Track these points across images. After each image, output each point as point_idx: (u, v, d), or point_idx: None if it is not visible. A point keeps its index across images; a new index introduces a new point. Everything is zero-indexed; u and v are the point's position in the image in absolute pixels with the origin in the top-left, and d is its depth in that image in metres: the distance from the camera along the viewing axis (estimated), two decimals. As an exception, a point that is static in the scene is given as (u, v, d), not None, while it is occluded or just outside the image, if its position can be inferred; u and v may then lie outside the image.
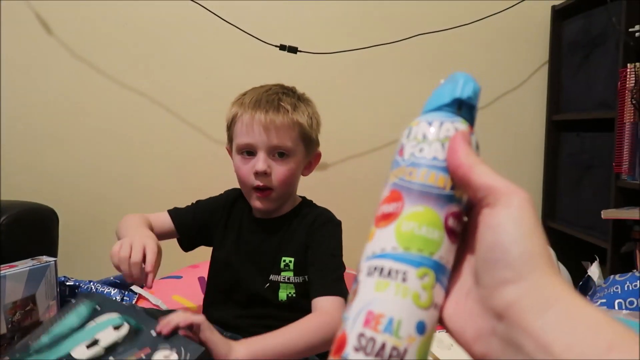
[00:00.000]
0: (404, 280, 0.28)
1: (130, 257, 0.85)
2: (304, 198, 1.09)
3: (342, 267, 0.96)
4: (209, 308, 1.05)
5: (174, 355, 0.69)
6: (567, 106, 1.64)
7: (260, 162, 0.93)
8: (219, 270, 1.05)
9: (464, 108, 0.32)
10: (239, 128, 0.96)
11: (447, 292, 0.30)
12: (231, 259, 1.03)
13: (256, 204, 0.98)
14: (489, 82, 1.71)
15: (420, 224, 0.29)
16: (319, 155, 1.07)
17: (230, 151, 1.04)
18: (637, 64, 1.26)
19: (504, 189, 0.28)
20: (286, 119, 0.93)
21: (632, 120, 1.28)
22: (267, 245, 1.01)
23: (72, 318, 0.76)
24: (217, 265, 1.06)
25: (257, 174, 0.94)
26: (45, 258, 1.15)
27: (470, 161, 0.29)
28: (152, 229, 1.05)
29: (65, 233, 1.52)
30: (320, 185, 1.69)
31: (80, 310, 0.78)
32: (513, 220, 0.27)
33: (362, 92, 1.69)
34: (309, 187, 1.67)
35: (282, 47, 1.56)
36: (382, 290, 0.28)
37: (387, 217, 0.31)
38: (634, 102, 1.26)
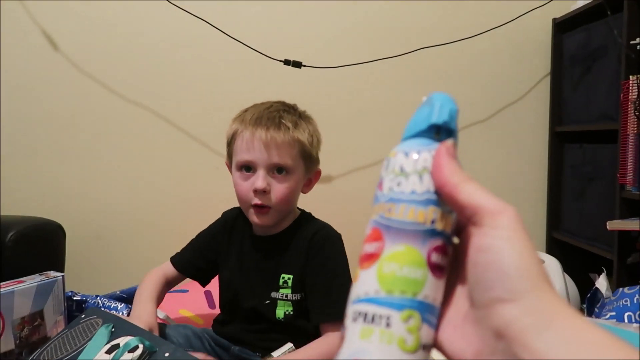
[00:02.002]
0: (388, 325, 0.28)
1: None
2: (302, 211, 1.08)
3: (348, 283, 0.95)
4: (219, 323, 1.05)
5: None
6: (569, 118, 1.65)
7: (259, 179, 0.92)
8: (224, 289, 1.06)
9: (443, 132, 0.31)
10: (239, 145, 0.95)
11: (443, 318, 0.29)
12: (234, 276, 1.03)
13: (254, 219, 0.97)
14: (492, 94, 1.72)
15: (402, 264, 0.29)
16: (318, 173, 1.06)
17: (229, 167, 1.03)
18: (639, 76, 1.27)
19: (492, 207, 0.27)
20: (287, 136, 0.93)
21: (635, 131, 1.29)
22: (266, 262, 1.01)
23: (95, 345, 0.77)
24: (222, 284, 1.06)
25: (256, 192, 0.93)
26: (52, 273, 1.16)
27: (456, 179, 0.28)
28: (169, 282, 1.08)
29: (71, 248, 1.52)
30: (324, 198, 1.69)
31: (101, 335, 0.78)
32: (505, 240, 0.26)
33: (366, 106, 1.70)
34: (313, 200, 1.67)
35: (287, 62, 1.57)
36: (367, 338, 0.28)
37: (369, 258, 0.30)
38: (637, 113, 1.27)
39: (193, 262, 1.07)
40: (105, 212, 1.69)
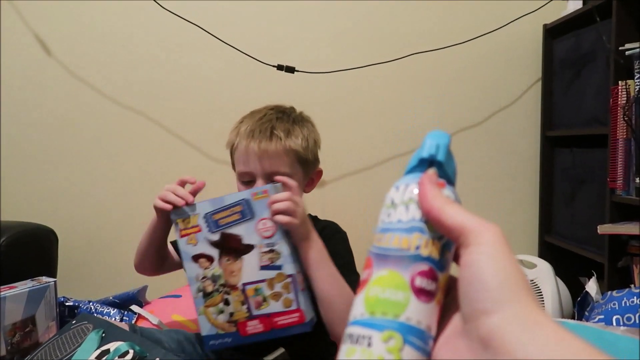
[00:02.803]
0: (369, 345, 0.29)
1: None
2: (309, 214, 1.11)
3: (357, 274, 0.98)
4: None
5: None
6: (560, 122, 1.66)
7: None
8: None
9: (435, 165, 0.33)
10: (237, 157, 1.01)
11: (441, 338, 0.30)
12: None
13: None
14: (484, 99, 1.74)
15: (384, 287, 0.30)
16: (320, 172, 1.10)
17: (234, 169, 1.08)
18: (628, 81, 1.29)
19: (475, 226, 0.29)
20: (279, 146, 0.97)
21: (624, 136, 1.30)
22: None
23: (85, 350, 0.77)
24: None
25: None
26: (44, 279, 1.15)
27: (439, 203, 0.30)
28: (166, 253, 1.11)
29: (63, 253, 1.52)
30: (317, 202, 1.70)
31: (91, 340, 0.78)
32: (487, 255, 0.28)
33: (358, 111, 1.71)
34: (306, 205, 1.68)
35: (280, 67, 1.58)
36: (350, 357, 0.29)
37: (361, 285, 0.32)
38: (626, 118, 1.28)
39: None
40: (98, 217, 1.69)
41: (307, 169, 1.04)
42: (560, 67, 1.65)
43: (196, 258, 0.87)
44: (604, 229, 1.28)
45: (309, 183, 1.08)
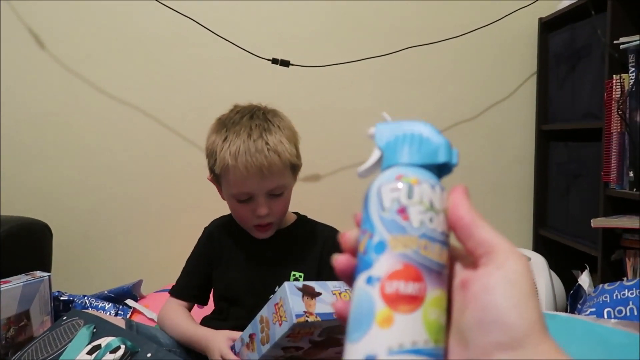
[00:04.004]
0: None
1: None
2: (298, 214, 1.12)
3: None
4: (208, 322, 1.05)
5: None
6: (555, 116, 1.66)
7: (261, 207, 0.96)
8: (221, 288, 1.05)
9: (444, 171, 0.32)
10: (232, 179, 0.96)
11: None
12: (232, 276, 1.03)
13: (257, 235, 1.02)
14: (479, 93, 1.74)
15: (441, 311, 0.27)
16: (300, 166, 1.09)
17: (213, 182, 1.05)
18: (623, 75, 1.29)
19: (505, 248, 0.28)
20: (278, 162, 0.95)
21: (619, 130, 1.30)
22: (268, 258, 1.02)
23: (75, 347, 0.77)
24: (219, 285, 1.06)
25: (259, 217, 0.97)
26: (39, 273, 1.15)
27: (474, 215, 0.29)
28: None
29: (58, 248, 1.52)
30: (312, 197, 1.70)
31: (82, 336, 0.78)
32: (509, 283, 0.26)
33: (354, 104, 1.71)
34: (301, 199, 1.68)
35: (275, 61, 1.58)
36: None
37: (410, 301, 0.27)
38: (620, 112, 1.28)
39: (190, 285, 1.08)
40: (94, 211, 1.68)
41: (296, 172, 1.05)
42: (555, 61, 1.65)
43: None
44: (598, 222, 1.29)
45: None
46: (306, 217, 1.12)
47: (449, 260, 0.30)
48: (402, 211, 0.29)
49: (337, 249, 1.04)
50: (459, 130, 1.74)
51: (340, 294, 0.76)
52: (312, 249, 1.02)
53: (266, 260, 1.02)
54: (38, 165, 1.66)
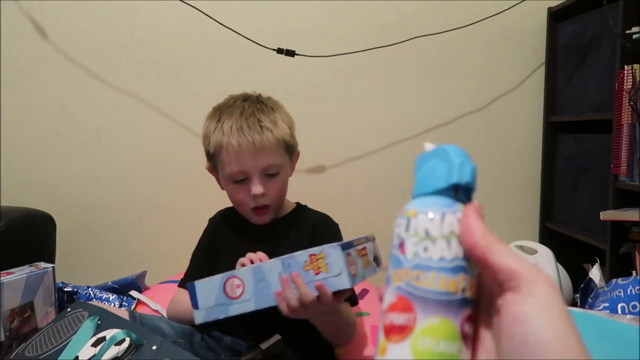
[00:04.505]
0: None
1: None
2: (298, 203, 1.11)
3: None
4: None
5: None
6: (564, 108, 1.64)
7: (256, 186, 0.95)
8: None
9: (462, 191, 0.30)
10: (226, 158, 0.96)
11: None
12: (232, 265, 1.02)
13: (256, 220, 1.01)
14: (486, 84, 1.71)
15: (438, 339, 0.27)
16: (298, 154, 1.08)
17: (211, 171, 1.05)
18: (635, 65, 1.26)
19: (528, 273, 0.26)
20: (271, 138, 0.94)
21: (629, 121, 1.28)
22: (269, 248, 1.01)
23: (80, 339, 0.76)
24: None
25: (255, 197, 0.96)
26: (42, 264, 1.15)
27: (489, 241, 0.28)
28: None
29: (62, 239, 1.51)
30: (317, 188, 1.69)
31: (87, 328, 0.78)
32: (543, 310, 0.25)
33: (359, 95, 1.69)
34: (306, 190, 1.67)
35: (280, 51, 1.56)
36: None
37: (400, 331, 0.28)
38: (631, 103, 1.26)
39: (200, 275, 1.05)
40: (97, 203, 1.68)
41: (292, 155, 1.03)
42: (564, 51, 1.62)
43: None
44: (607, 215, 1.27)
45: (292, 166, 1.06)
46: (306, 206, 1.11)
47: (474, 285, 0.29)
48: (401, 245, 0.30)
49: (327, 234, 1.03)
50: (466, 123, 1.72)
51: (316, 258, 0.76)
52: (305, 236, 1.02)
53: (262, 249, 1.01)
54: (41, 157, 1.65)
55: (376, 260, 0.80)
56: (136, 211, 1.69)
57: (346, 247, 0.73)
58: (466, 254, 0.28)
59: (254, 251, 1.01)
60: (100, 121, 1.65)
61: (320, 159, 1.70)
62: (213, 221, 1.10)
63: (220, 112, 1.00)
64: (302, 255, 0.74)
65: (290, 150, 1.01)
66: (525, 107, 1.72)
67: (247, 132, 0.93)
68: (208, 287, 0.79)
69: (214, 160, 1.00)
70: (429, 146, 0.33)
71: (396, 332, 0.28)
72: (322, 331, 0.89)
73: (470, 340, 0.28)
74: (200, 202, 1.65)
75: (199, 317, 0.79)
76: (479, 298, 0.29)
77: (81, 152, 1.66)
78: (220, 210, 1.12)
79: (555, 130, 1.68)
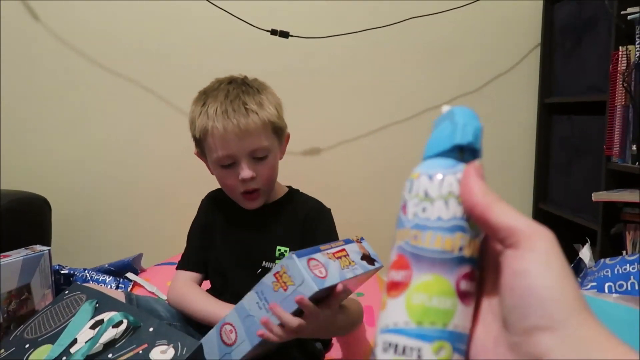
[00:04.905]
0: (419, 357, 0.27)
1: None
2: (290, 187, 1.09)
3: None
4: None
5: (171, 351, 0.69)
6: (559, 89, 1.64)
7: (245, 170, 0.93)
8: (213, 262, 1.05)
9: (467, 152, 0.30)
10: (212, 142, 0.94)
11: (471, 338, 0.29)
12: (223, 250, 1.03)
13: (246, 205, 0.99)
14: (481, 65, 1.71)
15: (431, 295, 0.28)
16: (288, 136, 1.06)
17: (199, 156, 1.03)
18: (629, 46, 1.26)
19: (527, 229, 0.27)
20: (257, 120, 0.92)
21: (623, 103, 1.29)
22: (257, 233, 1.01)
23: (79, 321, 0.77)
24: (212, 260, 1.05)
25: (244, 182, 0.94)
26: (38, 247, 1.15)
27: (488, 200, 0.28)
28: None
29: (58, 222, 1.52)
30: (313, 170, 1.69)
31: (85, 311, 0.78)
32: (542, 264, 0.26)
33: (354, 77, 1.68)
34: (302, 173, 1.68)
35: (274, 32, 1.54)
36: None
37: (397, 287, 0.29)
38: (625, 85, 1.26)
39: (198, 256, 1.05)
40: (93, 186, 1.68)
41: (281, 137, 1.01)
42: (560, 32, 1.61)
43: None
44: (599, 196, 1.28)
45: (281, 150, 1.04)
46: (298, 190, 1.10)
47: (475, 244, 0.29)
48: (404, 207, 0.30)
49: (319, 221, 1.02)
50: (460, 103, 1.71)
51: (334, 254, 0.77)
52: (296, 223, 1.01)
53: (252, 234, 1.01)
54: (36, 140, 1.64)
55: (366, 258, 0.79)
56: (132, 194, 1.70)
57: (306, 253, 0.73)
58: (466, 214, 0.29)
59: (244, 238, 1.02)
60: (95, 104, 1.64)
61: (316, 142, 1.70)
62: (204, 203, 1.09)
63: (205, 96, 0.98)
64: (269, 278, 0.75)
65: (278, 132, 0.98)
66: (520, 88, 1.72)
67: (232, 115, 0.91)
68: (209, 342, 0.79)
69: (201, 145, 0.99)
70: (445, 108, 0.32)
71: (394, 288, 0.29)
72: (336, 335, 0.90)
73: (471, 297, 0.29)
74: (196, 185, 1.65)
75: None
76: (487, 259, 0.30)
77: (77, 135, 1.65)
78: (211, 192, 1.10)
79: (550, 111, 1.69)
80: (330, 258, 0.75)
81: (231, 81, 0.99)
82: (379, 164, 1.71)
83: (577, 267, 1.09)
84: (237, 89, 0.96)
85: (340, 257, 0.76)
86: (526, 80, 1.72)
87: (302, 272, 0.70)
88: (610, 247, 1.31)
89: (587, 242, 1.17)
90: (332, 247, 0.77)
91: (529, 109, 1.72)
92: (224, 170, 0.96)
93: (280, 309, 0.72)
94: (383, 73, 1.68)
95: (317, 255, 0.74)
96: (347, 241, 0.81)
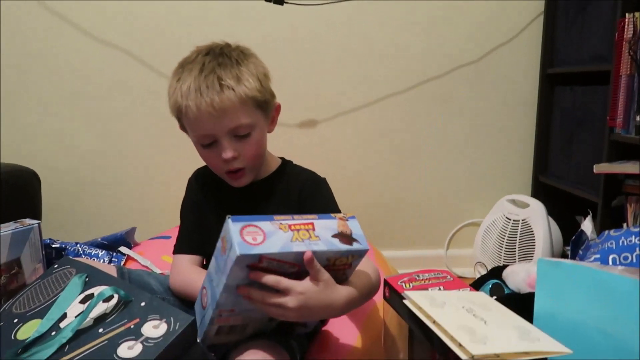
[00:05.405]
0: None
1: None
2: (283, 159, 1.03)
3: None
4: None
5: (163, 326, 0.67)
6: (562, 60, 1.60)
7: (226, 150, 0.87)
8: (206, 241, 1.00)
9: None
10: (189, 121, 0.88)
11: None
12: (215, 231, 0.98)
13: (233, 183, 0.94)
14: (483, 34, 1.66)
15: None
16: (278, 107, 0.97)
17: (184, 131, 0.95)
18: (636, 13, 1.22)
19: None
20: (234, 97, 0.85)
21: (628, 72, 1.25)
22: (252, 209, 0.97)
23: (68, 296, 0.74)
24: (205, 239, 0.99)
25: (227, 161, 0.89)
26: (28, 221, 1.12)
27: None
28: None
29: (49, 196, 1.49)
30: (309, 142, 1.66)
31: (74, 285, 0.76)
32: None
33: (352, 46, 1.63)
34: (298, 145, 1.64)
35: (268, -1, 1.49)
36: None
37: None
38: (631, 53, 1.22)
39: (194, 237, 0.99)
40: (85, 159, 1.64)
41: (267, 110, 0.93)
42: (564, 0, 1.56)
43: None
44: (601, 168, 1.26)
45: (271, 121, 0.96)
46: (291, 163, 1.03)
47: None
48: None
49: (315, 193, 0.95)
50: (461, 74, 1.67)
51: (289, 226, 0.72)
52: (290, 198, 0.95)
53: (242, 213, 0.97)
54: (26, 112, 1.60)
55: (343, 237, 0.73)
56: (125, 167, 1.66)
57: (247, 219, 0.70)
58: None
59: (235, 210, 0.95)
60: (87, 76, 1.59)
61: (312, 114, 1.66)
62: (192, 181, 1.04)
63: (181, 69, 0.90)
64: (219, 241, 0.72)
65: (262, 106, 0.90)
66: (522, 58, 1.68)
67: (205, 93, 0.84)
68: (197, 305, 0.78)
69: (180, 122, 0.93)
70: None
71: None
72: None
73: None
74: (189, 159, 1.62)
75: (200, 339, 0.76)
76: None
77: (68, 107, 1.61)
78: (199, 169, 1.04)
79: (552, 82, 1.65)
80: (280, 228, 0.70)
81: (209, 51, 0.91)
82: (376, 135, 1.68)
83: (578, 239, 1.07)
84: (214, 62, 0.88)
85: (298, 230, 0.71)
86: (528, 50, 1.67)
87: (231, 236, 0.67)
88: (610, 219, 1.29)
89: (589, 214, 1.15)
90: (293, 219, 0.73)
91: (531, 79, 1.68)
92: (205, 149, 0.90)
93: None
94: (381, 43, 1.64)
95: (262, 223, 0.70)
96: (324, 216, 0.75)
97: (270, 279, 0.69)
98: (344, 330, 0.98)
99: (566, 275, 0.67)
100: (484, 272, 1.59)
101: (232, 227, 0.68)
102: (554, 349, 0.56)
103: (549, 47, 1.64)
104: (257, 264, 0.68)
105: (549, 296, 0.66)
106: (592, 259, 0.85)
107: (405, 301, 0.71)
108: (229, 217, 0.69)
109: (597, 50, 1.41)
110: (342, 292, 0.74)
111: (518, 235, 1.50)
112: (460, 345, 0.57)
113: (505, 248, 1.52)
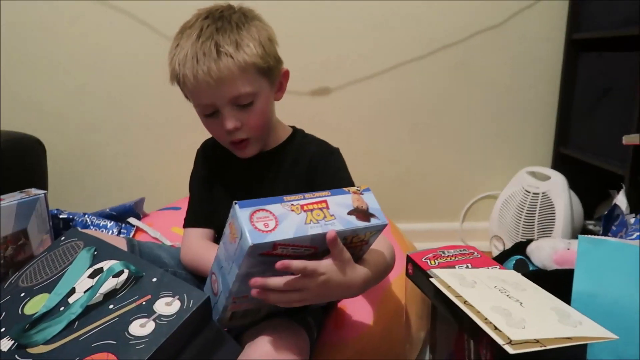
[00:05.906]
0: None
1: None
2: (294, 128, 0.98)
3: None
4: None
5: (177, 303, 0.64)
6: (589, 24, 1.51)
7: (227, 120, 0.82)
8: (215, 213, 0.96)
9: None
10: (188, 91, 0.84)
11: None
12: (224, 205, 0.94)
13: (239, 154, 0.90)
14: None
15: None
16: (286, 73, 0.92)
17: (189, 100, 0.91)
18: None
19: None
20: (233, 65, 0.79)
21: (663, 37, 1.18)
22: (260, 184, 0.92)
23: (76, 270, 0.71)
24: (214, 212, 0.96)
25: (230, 132, 0.84)
26: (34, 191, 1.09)
27: None
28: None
29: (57, 165, 1.45)
30: (322, 110, 1.60)
31: (83, 258, 0.72)
32: None
33: (367, 11, 1.55)
34: (311, 113, 1.59)
35: (280, -43, 1.41)
36: None
37: None
38: (669, 16, 1.14)
39: (205, 209, 0.96)
40: (93, 128, 1.60)
41: (272, 77, 0.87)
42: (594, -42, 1.47)
43: None
44: (630, 139, 1.20)
45: (278, 89, 0.91)
46: (302, 132, 0.98)
47: None
48: None
49: (326, 164, 0.89)
50: (481, 39, 1.59)
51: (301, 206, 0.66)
52: (299, 170, 0.90)
53: (249, 186, 0.92)
54: (32, 79, 1.55)
55: (359, 213, 0.68)
56: (133, 137, 1.62)
57: (255, 204, 0.64)
58: None
59: (244, 189, 0.91)
60: (90, 39, 1.54)
61: (326, 81, 1.60)
62: (200, 153, 1.00)
63: (181, 34, 0.85)
64: (226, 227, 0.66)
65: (266, 72, 0.85)
66: (546, 22, 1.59)
67: (202, 61, 0.79)
68: (207, 290, 0.74)
69: (182, 91, 0.88)
70: None
71: None
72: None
73: None
74: (198, 129, 1.57)
75: (216, 318, 0.72)
76: None
77: (74, 74, 1.56)
78: (206, 140, 1.00)
79: (577, 48, 1.57)
80: (292, 210, 0.65)
81: (208, 15, 0.85)
82: (392, 104, 1.62)
83: (611, 213, 1.02)
84: (212, 26, 0.82)
85: (312, 210, 0.66)
86: (553, 13, 1.59)
87: (241, 224, 0.61)
88: (637, 193, 1.24)
89: (622, 187, 1.09)
90: (304, 198, 0.67)
91: (555, 45, 1.60)
92: (208, 119, 0.85)
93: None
94: (397, 6, 1.55)
95: (273, 207, 0.64)
96: (337, 192, 0.69)
97: (296, 265, 0.63)
98: (361, 307, 0.95)
99: (609, 254, 0.62)
100: (500, 246, 1.55)
101: (240, 213, 0.62)
102: (598, 334, 0.52)
103: (575, 10, 1.55)
104: (270, 252, 0.63)
105: (590, 276, 0.62)
106: (635, 236, 0.80)
107: (432, 279, 0.67)
108: (235, 203, 0.63)
109: (628, 12, 1.33)
110: (361, 273, 0.69)
111: (537, 208, 1.45)
112: (495, 328, 0.53)
113: (524, 222, 1.48)
